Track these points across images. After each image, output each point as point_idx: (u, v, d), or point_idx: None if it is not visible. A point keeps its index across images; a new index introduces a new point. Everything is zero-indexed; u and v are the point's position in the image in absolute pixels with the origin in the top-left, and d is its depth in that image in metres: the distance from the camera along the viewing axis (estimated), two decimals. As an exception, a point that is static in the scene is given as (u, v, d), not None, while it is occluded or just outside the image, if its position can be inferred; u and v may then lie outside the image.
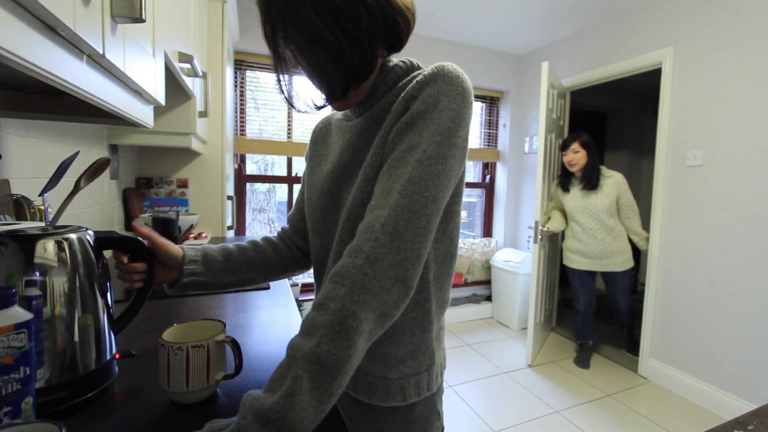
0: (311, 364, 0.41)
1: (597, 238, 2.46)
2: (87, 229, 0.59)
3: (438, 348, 0.65)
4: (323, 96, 0.56)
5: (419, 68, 0.61)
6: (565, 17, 2.69)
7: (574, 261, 2.57)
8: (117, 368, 0.63)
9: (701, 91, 2.15)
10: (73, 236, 0.54)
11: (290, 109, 2.83)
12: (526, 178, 3.43)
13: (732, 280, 2.01)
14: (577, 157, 2.46)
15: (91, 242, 0.58)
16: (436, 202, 0.49)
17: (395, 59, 0.61)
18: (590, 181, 2.45)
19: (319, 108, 0.58)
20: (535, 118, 3.31)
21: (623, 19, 2.58)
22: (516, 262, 3.14)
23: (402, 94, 0.54)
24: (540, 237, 2.52)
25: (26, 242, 0.50)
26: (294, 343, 0.44)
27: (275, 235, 0.81)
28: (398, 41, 0.58)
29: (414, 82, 0.54)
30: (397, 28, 0.56)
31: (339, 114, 0.70)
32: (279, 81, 0.56)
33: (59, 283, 0.51)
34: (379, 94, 0.59)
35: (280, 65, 0.54)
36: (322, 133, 0.73)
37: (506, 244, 3.60)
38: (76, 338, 0.53)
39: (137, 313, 0.65)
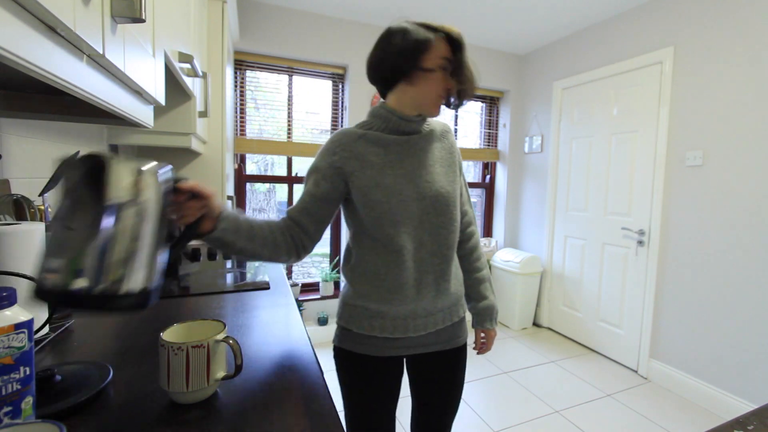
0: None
1: None
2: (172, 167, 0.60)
3: None
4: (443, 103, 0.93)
5: None
6: (565, 17, 2.69)
7: None
8: (113, 369, 0.63)
9: (701, 91, 2.15)
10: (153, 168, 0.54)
11: (290, 110, 2.84)
12: (526, 178, 3.43)
13: (732, 279, 2.01)
14: None
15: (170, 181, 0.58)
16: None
17: None
18: None
19: (457, 107, 0.96)
20: (534, 118, 3.31)
21: (623, 19, 2.58)
22: (516, 262, 3.14)
23: (448, 137, 1.00)
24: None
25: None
26: (487, 275, 1.05)
27: (281, 221, 0.87)
28: None
29: (448, 132, 1.01)
30: None
31: (356, 128, 0.92)
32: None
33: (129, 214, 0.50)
34: (420, 121, 0.93)
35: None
36: (361, 142, 0.90)
37: (506, 244, 3.60)
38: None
39: (183, 249, 0.66)
